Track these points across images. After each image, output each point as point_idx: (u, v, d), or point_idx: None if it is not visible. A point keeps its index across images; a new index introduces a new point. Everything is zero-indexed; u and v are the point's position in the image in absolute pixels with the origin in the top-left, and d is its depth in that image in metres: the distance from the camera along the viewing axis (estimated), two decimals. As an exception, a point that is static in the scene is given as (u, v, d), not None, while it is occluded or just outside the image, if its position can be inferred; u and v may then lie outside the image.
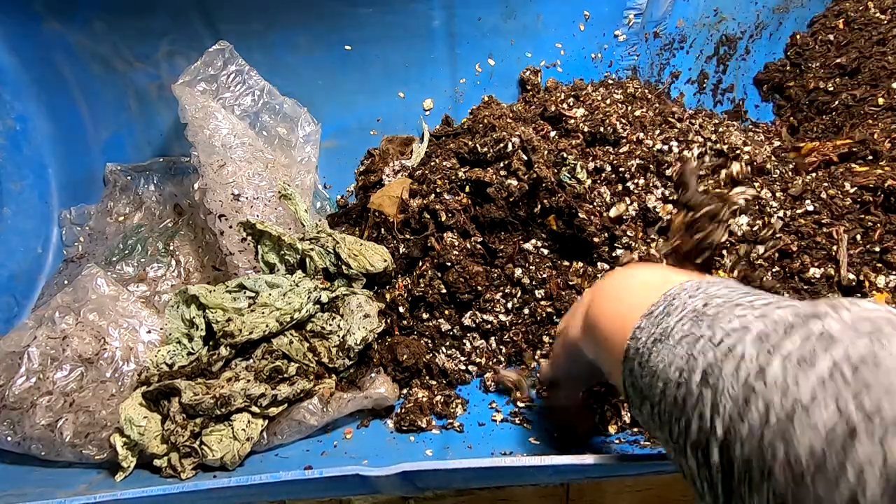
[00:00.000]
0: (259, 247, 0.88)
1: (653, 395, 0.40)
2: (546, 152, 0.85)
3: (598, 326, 0.50)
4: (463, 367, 0.84)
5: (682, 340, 0.38)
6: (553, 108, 0.93)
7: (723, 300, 0.39)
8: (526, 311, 0.84)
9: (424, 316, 0.86)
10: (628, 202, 0.83)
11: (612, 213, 0.82)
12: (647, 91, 1.00)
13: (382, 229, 0.92)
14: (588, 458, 0.58)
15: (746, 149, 0.86)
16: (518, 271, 0.85)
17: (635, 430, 0.72)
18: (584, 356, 0.55)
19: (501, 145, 0.85)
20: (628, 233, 0.82)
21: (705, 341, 0.36)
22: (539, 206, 0.83)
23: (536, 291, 0.84)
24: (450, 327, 0.85)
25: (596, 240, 0.82)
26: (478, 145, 0.88)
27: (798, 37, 1.06)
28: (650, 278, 0.48)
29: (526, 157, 0.85)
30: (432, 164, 0.95)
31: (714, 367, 0.34)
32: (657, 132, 0.89)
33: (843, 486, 0.26)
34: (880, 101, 0.92)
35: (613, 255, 0.83)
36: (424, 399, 0.79)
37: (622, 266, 0.66)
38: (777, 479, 0.29)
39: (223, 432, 0.73)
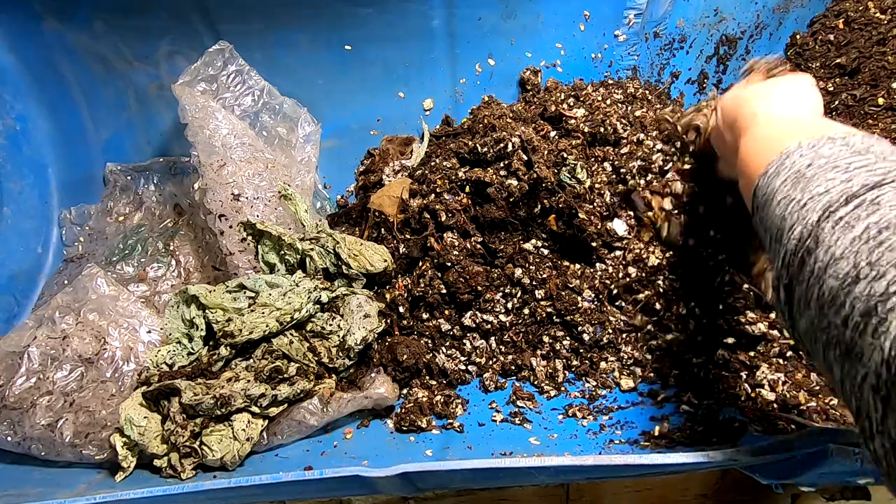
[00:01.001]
0: (259, 247, 0.88)
1: (766, 240, 0.50)
2: (546, 152, 0.85)
3: (742, 167, 0.58)
4: (463, 367, 0.84)
5: (781, 202, 0.47)
6: (553, 108, 0.93)
7: (825, 160, 0.45)
8: (526, 311, 0.84)
9: (424, 316, 0.86)
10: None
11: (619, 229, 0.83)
12: (647, 91, 1.00)
13: (382, 229, 0.92)
14: (588, 459, 0.58)
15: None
16: (518, 271, 0.85)
17: None
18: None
19: (501, 145, 0.85)
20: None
21: (795, 203, 0.45)
22: (539, 207, 0.83)
23: (536, 291, 0.84)
24: (450, 327, 0.85)
25: (594, 243, 0.82)
26: (478, 145, 0.88)
27: (798, 37, 1.05)
28: (786, 126, 0.56)
29: (526, 158, 0.85)
30: (432, 164, 0.95)
31: (792, 229, 0.44)
32: (657, 132, 0.89)
33: (843, 313, 0.37)
34: (880, 101, 0.92)
35: (611, 255, 0.83)
36: (424, 399, 0.79)
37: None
38: (812, 311, 0.40)
39: (223, 432, 0.73)
